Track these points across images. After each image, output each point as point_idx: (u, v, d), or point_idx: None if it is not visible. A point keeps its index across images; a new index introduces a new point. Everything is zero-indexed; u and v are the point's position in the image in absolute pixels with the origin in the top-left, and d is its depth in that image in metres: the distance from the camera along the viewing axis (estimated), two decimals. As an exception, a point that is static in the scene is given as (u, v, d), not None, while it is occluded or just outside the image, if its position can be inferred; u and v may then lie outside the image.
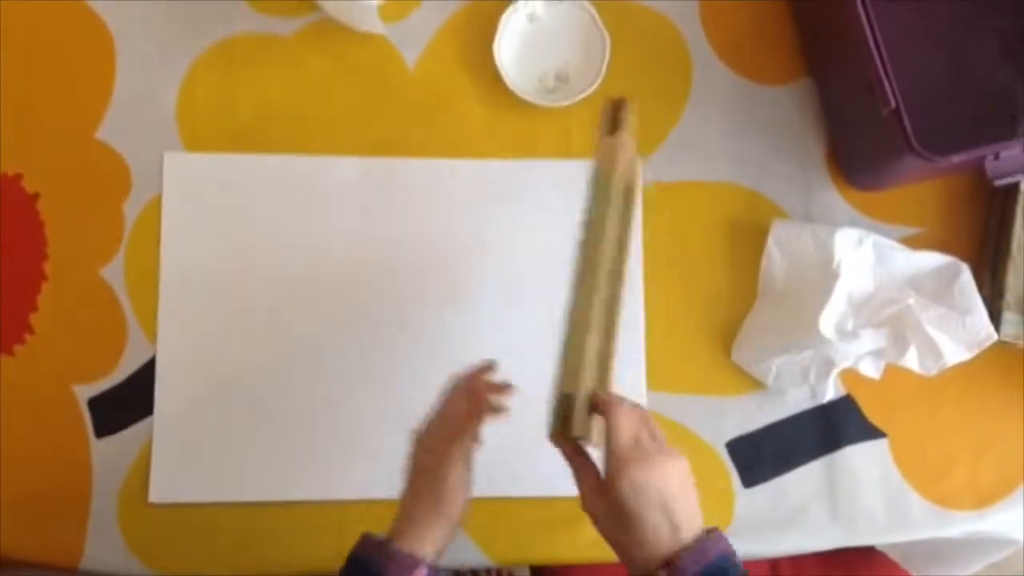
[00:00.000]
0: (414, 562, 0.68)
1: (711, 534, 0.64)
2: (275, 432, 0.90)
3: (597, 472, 0.66)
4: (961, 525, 0.92)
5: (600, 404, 0.67)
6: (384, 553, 0.69)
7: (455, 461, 0.72)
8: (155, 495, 0.88)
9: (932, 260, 0.89)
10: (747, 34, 0.98)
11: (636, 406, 0.67)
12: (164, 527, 0.88)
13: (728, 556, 0.63)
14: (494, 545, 0.90)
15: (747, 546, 0.90)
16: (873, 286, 0.89)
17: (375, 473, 0.88)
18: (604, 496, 0.64)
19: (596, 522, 0.65)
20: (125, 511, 0.88)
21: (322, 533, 0.88)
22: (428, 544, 0.70)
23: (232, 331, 0.91)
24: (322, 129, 0.94)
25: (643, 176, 0.93)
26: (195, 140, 0.93)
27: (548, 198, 0.94)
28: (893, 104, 0.78)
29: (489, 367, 0.77)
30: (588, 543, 0.89)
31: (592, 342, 0.68)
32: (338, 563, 0.83)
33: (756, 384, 0.93)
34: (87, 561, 0.88)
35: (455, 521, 0.72)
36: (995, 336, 0.87)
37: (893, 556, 0.98)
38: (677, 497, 0.62)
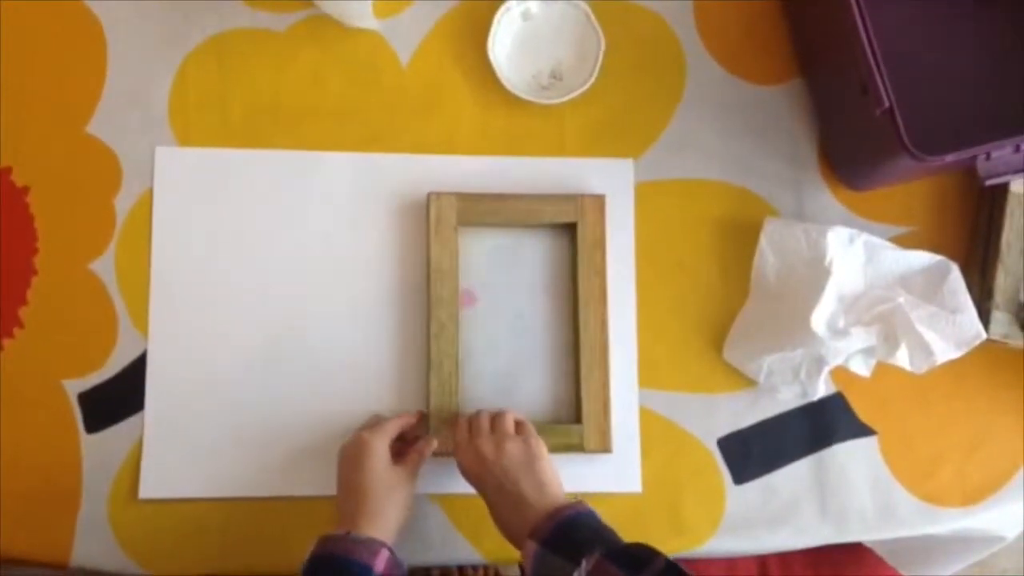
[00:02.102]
0: (377, 545, 0.74)
1: (570, 504, 0.76)
2: (267, 427, 0.89)
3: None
4: (949, 522, 0.93)
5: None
6: (348, 542, 0.74)
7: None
8: (145, 491, 0.88)
9: (922, 259, 0.90)
10: (740, 34, 0.98)
11: (478, 414, 0.84)
12: (154, 523, 0.88)
13: (580, 515, 0.75)
14: (485, 542, 0.90)
15: (737, 543, 0.91)
16: (864, 284, 0.89)
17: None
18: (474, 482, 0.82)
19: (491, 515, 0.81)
20: (115, 507, 0.88)
21: (315, 529, 0.88)
22: (386, 532, 0.77)
23: (224, 326, 0.90)
24: (315, 125, 0.94)
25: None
26: (187, 135, 0.93)
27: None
28: (887, 104, 0.78)
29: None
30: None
31: (433, 379, 0.89)
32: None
33: (747, 382, 0.93)
34: (77, 558, 0.87)
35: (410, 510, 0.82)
36: (984, 335, 0.87)
37: (880, 553, 0.99)
38: (508, 470, 0.78)
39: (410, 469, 0.82)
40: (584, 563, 0.69)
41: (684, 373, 0.93)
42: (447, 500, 0.90)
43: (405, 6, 0.96)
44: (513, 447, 0.80)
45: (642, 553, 0.70)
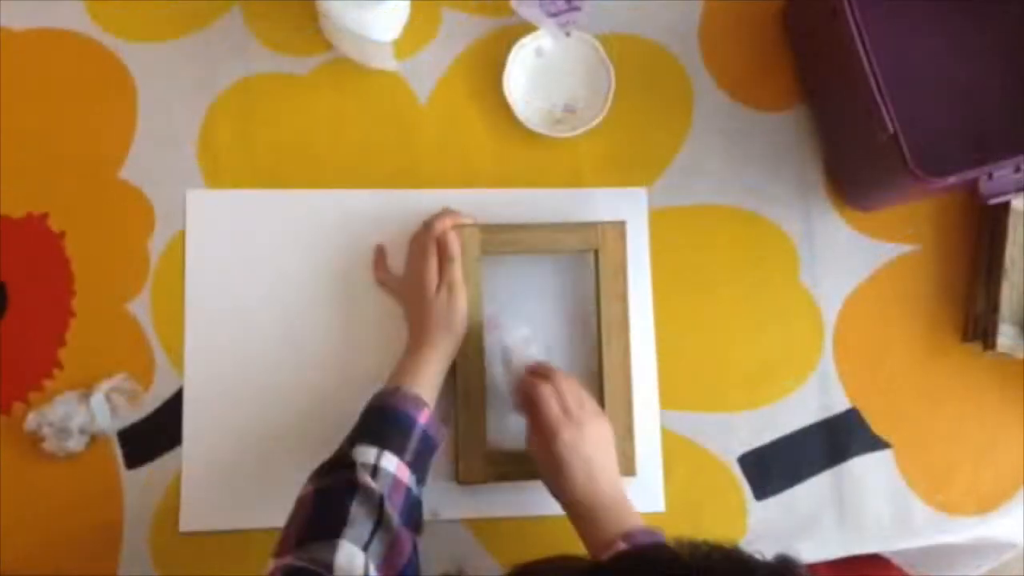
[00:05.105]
0: (422, 403, 0.83)
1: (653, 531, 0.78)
2: (303, 458, 0.90)
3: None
4: (964, 530, 0.96)
5: (528, 384, 0.85)
6: (398, 395, 0.82)
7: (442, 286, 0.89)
8: (186, 524, 0.90)
9: None
10: (745, 64, 1.02)
11: (567, 379, 0.84)
12: (196, 556, 0.89)
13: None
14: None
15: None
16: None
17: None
18: (545, 448, 0.81)
19: (536, 462, 0.83)
20: (157, 541, 0.90)
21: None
22: (428, 389, 0.85)
23: (257, 360, 0.93)
24: (338, 163, 0.97)
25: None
26: (216, 177, 0.96)
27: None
28: (891, 130, 0.81)
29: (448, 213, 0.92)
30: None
31: (460, 410, 0.91)
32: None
33: (764, 399, 0.96)
34: (120, 591, 0.89)
35: (460, 333, 0.88)
36: None
37: (898, 562, 1.01)
38: (596, 451, 0.81)
39: (455, 287, 0.88)
40: None
41: (702, 393, 0.96)
42: (476, 525, 0.91)
43: (423, 46, 0.99)
44: (604, 429, 0.83)
45: None
